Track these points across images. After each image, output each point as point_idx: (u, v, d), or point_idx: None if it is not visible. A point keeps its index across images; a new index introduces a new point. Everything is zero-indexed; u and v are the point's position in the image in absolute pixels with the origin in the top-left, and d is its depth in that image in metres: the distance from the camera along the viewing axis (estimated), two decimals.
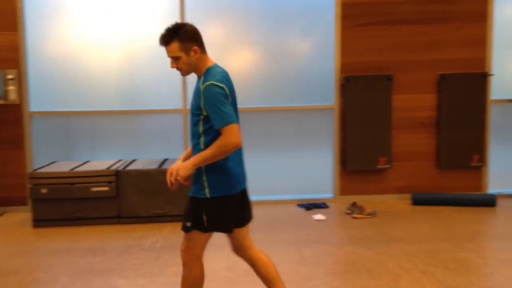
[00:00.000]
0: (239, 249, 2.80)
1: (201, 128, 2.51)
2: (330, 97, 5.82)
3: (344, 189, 5.86)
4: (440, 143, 5.78)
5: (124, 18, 5.61)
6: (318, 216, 5.20)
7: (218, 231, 2.62)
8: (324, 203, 5.69)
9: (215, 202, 2.54)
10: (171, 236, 4.59)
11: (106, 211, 4.98)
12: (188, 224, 2.57)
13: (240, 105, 5.77)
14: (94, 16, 5.56)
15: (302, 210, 5.53)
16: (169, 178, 2.48)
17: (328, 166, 5.92)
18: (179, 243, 4.37)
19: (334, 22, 5.70)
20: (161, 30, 2.52)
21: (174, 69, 2.57)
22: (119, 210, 5.01)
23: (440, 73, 5.73)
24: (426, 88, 5.77)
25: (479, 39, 5.73)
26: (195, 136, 2.55)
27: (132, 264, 3.87)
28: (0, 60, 5.42)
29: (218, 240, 4.45)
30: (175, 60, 2.50)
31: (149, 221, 5.02)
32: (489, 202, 5.45)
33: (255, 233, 4.61)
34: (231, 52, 5.78)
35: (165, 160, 5.51)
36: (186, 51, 2.48)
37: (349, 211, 5.26)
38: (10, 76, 5.41)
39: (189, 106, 5.68)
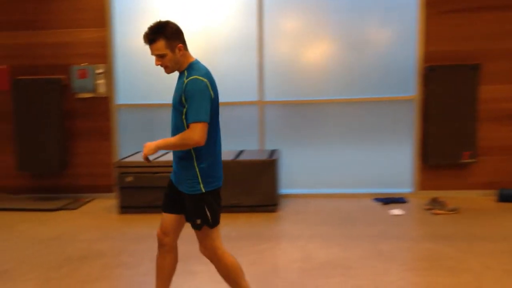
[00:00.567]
0: (168, 235, 2.82)
1: (184, 122, 2.54)
2: (409, 88, 5.61)
3: (424, 184, 5.65)
4: None
5: (202, 11, 5.76)
6: (396, 211, 5.06)
7: (217, 224, 2.72)
8: (402, 198, 5.52)
9: (211, 196, 2.62)
10: (245, 226, 4.69)
11: None
12: (199, 221, 2.64)
13: (316, 96, 5.75)
14: (175, 10, 5.77)
15: (378, 204, 5.41)
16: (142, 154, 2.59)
17: (407, 159, 5.73)
18: (253, 233, 4.46)
19: (417, 9, 5.47)
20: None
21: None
22: None
23: None
24: None
25: None
26: (178, 129, 2.56)
27: None
28: (90, 55, 5.79)
29: (294, 231, 4.48)
30: (160, 57, 2.52)
31: (225, 211, 5.08)
32: None
33: (328, 227, 4.60)
34: (307, 43, 5.75)
35: (241, 151, 5.62)
36: (172, 49, 2.52)
37: (429, 207, 5.06)
38: (99, 71, 5.77)
39: (266, 98, 5.75)
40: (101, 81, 5.80)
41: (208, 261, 3.76)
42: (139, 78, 5.90)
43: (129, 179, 5.17)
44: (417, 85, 5.55)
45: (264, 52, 5.71)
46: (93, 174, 5.93)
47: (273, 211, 5.13)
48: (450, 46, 5.44)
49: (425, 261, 3.71)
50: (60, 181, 5.94)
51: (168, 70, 2.57)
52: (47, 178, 5.96)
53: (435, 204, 5.02)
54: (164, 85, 5.87)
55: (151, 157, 5.29)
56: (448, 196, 5.50)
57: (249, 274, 3.52)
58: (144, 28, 2.59)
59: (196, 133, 2.44)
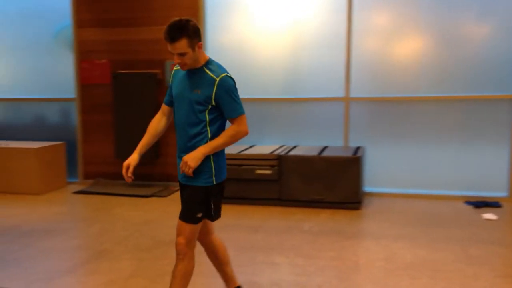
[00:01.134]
0: (206, 234, 2.84)
1: (207, 117, 2.56)
2: (509, 86, 5.26)
3: None
4: None
5: (291, 6, 5.80)
6: (489, 215, 4.78)
7: (218, 217, 2.72)
8: (496, 202, 5.20)
9: (218, 188, 2.66)
10: (328, 221, 4.68)
11: (268, 192, 5.27)
12: (199, 214, 2.60)
13: (405, 94, 5.58)
14: (264, 6, 5.86)
15: (470, 207, 5.14)
16: (184, 170, 2.49)
17: (503, 162, 5.38)
18: (336, 229, 4.44)
19: None
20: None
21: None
22: (280, 192, 5.26)
23: None
24: None
25: None
26: (196, 125, 2.55)
27: (291, 244, 4.06)
28: None
29: (377, 230, 4.40)
30: (181, 56, 2.49)
31: (307, 206, 5.17)
32: None
33: (414, 228, 4.46)
34: (397, 39, 5.59)
35: (325, 147, 5.60)
36: (193, 47, 2.50)
37: None
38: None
39: (352, 95, 5.67)
40: None
41: (289, 253, 3.84)
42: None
43: None
44: None
45: (352, 48, 5.64)
46: (170, 164, 6.20)
47: (356, 208, 5.07)
48: None
49: None
50: (153, 170, 6.30)
51: (186, 67, 2.55)
52: (141, 166, 6.33)
53: None
54: (249, 80, 6.00)
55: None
56: None
57: (331, 269, 3.53)
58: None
59: (245, 124, 2.59)
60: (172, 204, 5.43)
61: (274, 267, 3.60)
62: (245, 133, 2.60)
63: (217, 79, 2.53)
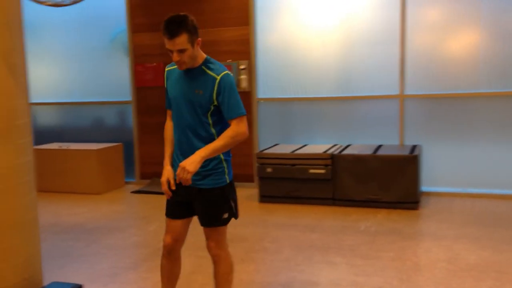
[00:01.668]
0: (182, 242, 2.69)
1: (210, 119, 2.44)
2: None
3: None
4: None
5: (343, 3, 5.74)
6: None
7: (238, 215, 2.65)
8: None
9: (232, 185, 2.58)
10: (384, 221, 4.59)
11: (321, 192, 5.24)
12: (226, 215, 2.54)
13: (463, 90, 5.40)
14: (314, 4, 5.83)
15: None
16: (183, 177, 2.33)
17: None
18: (394, 230, 4.35)
19: None
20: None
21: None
22: (334, 192, 5.21)
23: None
24: None
25: None
26: (200, 127, 2.43)
27: (348, 244, 4.02)
28: (234, 52, 6.14)
29: (437, 230, 4.28)
30: (181, 52, 2.34)
31: (362, 205, 5.10)
32: None
33: (477, 228, 4.31)
34: (452, 34, 5.42)
35: (380, 146, 5.50)
36: (192, 43, 2.37)
37: None
38: (242, 67, 6.09)
39: (407, 92, 5.55)
40: (243, 77, 6.11)
41: (346, 253, 3.80)
42: (278, 73, 6.09)
43: (269, 170, 5.38)
44: None
45: (406, 44, 5.52)
46: (235, 164, 6.24)
47: (413, 208, 4.95)
48: None
49: None
50: None
51: (184, 66, 2.40)
52: None
53: None
54: (300, 79, 5.99)
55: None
56: None
57: (391, 270, 3.47)
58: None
59: (245, 125, 2.44)
60: None
61: (332, 267, 3.58)
62: (245, 135, 2.44)
63: (218, 78, 2.40)
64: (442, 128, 5.54)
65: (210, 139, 2.46)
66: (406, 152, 5.08)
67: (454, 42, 5.44)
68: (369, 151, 5.21)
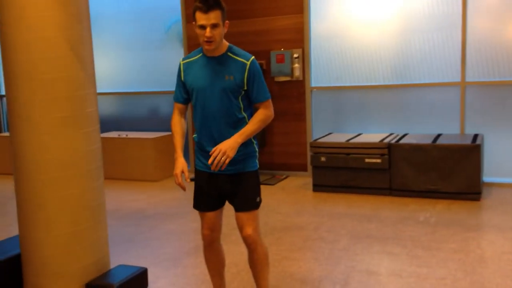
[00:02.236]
0: (219, 231, 2.72)
1: (242, 103, 2.51)
2: None
3: None
4: None
5: None
6: None
7: None
8: None
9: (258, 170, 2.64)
10: (445, 212, 4.47)
11: (378, 182, 5.16)
12: (258, 199, 2.58)
13: None
14: None
15: None
16: (221, 161, 2.34)
17: None
18: (455, 221, 4.23)
19: None
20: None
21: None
22: (391, 182, 5.11)
23: None
24: None
25: None
26: (234, 113, 2.48)
27: (408, 235, 3.94)
28: (288, 41, 6.11)
29: (501, 222, 4.13)
30: (214, 27, 2.37)
31: (421, 196, 4.98)
32: None
33: None
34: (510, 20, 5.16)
35: (439, 135, 5.34)
36: (223, 22, 2.42)
37: None
38: (295, 55, 6.05)
39: (469, 79, 5.35)
40: (296, 65, 6.07)
41: (406, 243, 3.74)
42: (331, 61, 6.01)
43: (323, 159, 5.35)
44: None
45: (467, 29, 5.30)
46: (288, 153, 6.29)
47: (475, 199, 4.79)
48: None
49: None
50: (259, 159, 6.42)
51: (213, 45, 2.42)
52: None
53: None
54: (354, 67, 5.89)
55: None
56: None
57: (454, 262, 3.38)
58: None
59: (272, 108, 2.55)
60: (280, 192, 5.52)
61: (392, 257, 3.53)
62: (272, 117, 2.57)
63: (248, 63, 2.48)
64: (505, 116, 5.31)
65: (242, 122, 2.53)
66: (468, 142, 4.91)
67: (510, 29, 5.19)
68: (428, 140, 5.07)
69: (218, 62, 2.50)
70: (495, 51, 5.27)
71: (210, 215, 2.63)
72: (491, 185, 5.31)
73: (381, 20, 5.71)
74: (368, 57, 5.83)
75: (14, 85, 2.79)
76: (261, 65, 6.17)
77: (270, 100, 2.55)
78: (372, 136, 5.53)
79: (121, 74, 7.22)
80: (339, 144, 5.30)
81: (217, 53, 2.49)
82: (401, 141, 5.14)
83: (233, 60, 2.49)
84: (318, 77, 6.11)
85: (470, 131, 5.42)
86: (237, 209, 2.59)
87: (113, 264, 3.20)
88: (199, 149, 2.60)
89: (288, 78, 6.14)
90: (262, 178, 6.06)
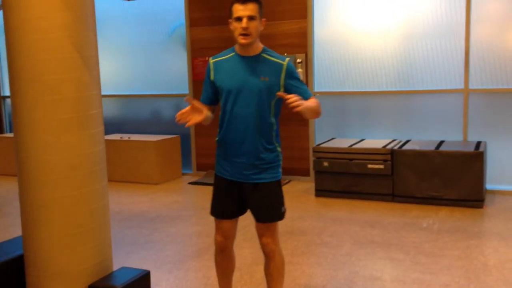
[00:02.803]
0: (233, 238, 2.67)
1: (272, 109, 2.45)
2: None
3: None
4: None
5: None
6: None
7: None
8: None
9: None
10: (448, 219, 4.46)
11: (381, 188, 5.14)
12: (283, 209, 2.54)
13: None
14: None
15: None
16: (297, 102, 2.22)
17: None
18: (458, 228, 4.22)
19: None
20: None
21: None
22: (394, 188, 5.10)
23: None
24: None
25: None
26: (267, 116, 2.40)
27: (411, 241, 3.93)
28: (291, 45, 6.11)
29: (504, 230, 4.12)
30: (250, 20, 2.35)
31: (423, 202, 4.97)
32: None
33: None
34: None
35: (442, 142, 5.34)
36: (260, 18, 2.41)
37: None
38: (299, 60, 6.06)
39: (472, 86, 5.35)
40: (300, 70, 6.07)
41: (409, 250, 3.72)
42: (334, 67, 6.01)
43: (325, 164, 5.34)
44: None
45: (471, 37, 5.30)
46: (290, 157, 6.27)
47: (478, 207, 4.77)
48: None
49: None
50: None
51: (248, 39, 2.37)
52: None
53: None
54: (357, 73, 5.89)
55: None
56: None
57: (457, 269, 3.37)
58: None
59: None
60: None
61: (395, 263, 3.52)
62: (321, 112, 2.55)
63: (285, 63, 2.43)
64: (508, 124, 5.31)
65: (270, 129, 2.47)
66: (471, 149, 4.90)
67: None
68: (431, 147, 5.06)
69: (253, 62, 2.42)
70: (498, 59, 5.27)
71: (226, 223, 2.58)
72: (494, 192, 5.29)
73: (385, 27, 5.72)
74: (372, 63, 5.83)
75: (19, 86, 2.79)
76: None
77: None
78: (375, 142, 5.52)
79: (124, 77, 7.22)
80: (342, 150, 5.30)
81: (252, 53, 2.43)
82: (404, 147, 5.13)
83: (269, 61, 2.43)
84: (321, 82, 6.11)
85: (473, 138, 5.42)
86: (260, 220, 2.53)
87: (115, 266, 3.19)
88: (222, 154, 2.54)
89: None
90: None
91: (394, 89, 5.75)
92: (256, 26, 2.38)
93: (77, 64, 2.87)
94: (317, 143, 5.89)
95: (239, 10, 2.36)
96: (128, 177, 6.40)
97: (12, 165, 6.74)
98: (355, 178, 5.26)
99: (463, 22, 5.31)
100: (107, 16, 7.04)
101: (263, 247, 2.55)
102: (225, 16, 6.57)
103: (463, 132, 5.44)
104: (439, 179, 4.88)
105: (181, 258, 3.72)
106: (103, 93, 8.05)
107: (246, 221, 4.47)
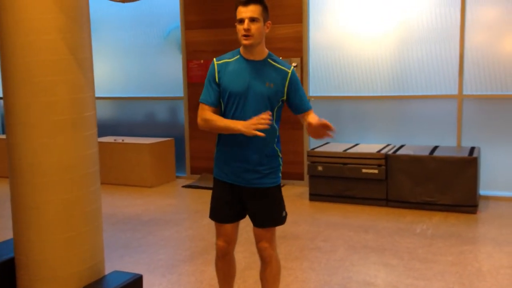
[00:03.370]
0: (235, 243, 2.66)
1: (275, 114, 2.44)
2: None
3: None
4: None
5: (397, 2, 5.61)
6: None
7: None
8: None
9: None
10: (441, 225, 4.46)
11: (375, 192, 5.15)
12: (284, 213, 2.55)
13: None
14: (368, 3, 5.73)
15: None
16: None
17: None
18: (452, 233, 4.23)
19: None
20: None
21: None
22: (388, 193, 5.10)
23: None
24: None
25: None
26: (270, 121, 2.32)
27: (405, 246, 3.93)
28: (286, 49, 6.11)
29: (498, 236, 4.12)
30: (252, 21, 2.31)
31: (417, 207, 4.97)
32: None
33: None
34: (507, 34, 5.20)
35: (436, 147, 5.35)
36: (264, 20, 2.36)
37: None
38: (294, 64, 6.06)
39: (467, 92, 5.37)
40: None
41: (403, 255, 3.72)
42: (329, 71, 6.01)
43: (319, 168, 5.34)
44: None
45: (465, 43, 5.33)
46: (285, 162, 6.21)
47: (472, 212, 4.78)
48: None
49: None
50: None
51: (250, 40, 2.32)
52: None
53: None
54: (353, 78, 5.90)
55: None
56: None
57: (451, 275, 3.37)
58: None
59: None
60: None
61: (389, 269, 3.51)
62: None
63: (289, 71, 2.42)
64: (502, 129, 5.34)
65: (274, 136, 2.47)
66: (465, 154, 4.92)
67: (509, 43, 5.22)
68: (425, 152, 5.07)
69: (259, 67, 2.40)
70: (493, 65, 5.30)
71: (227, 227, 2.55)
72: (487, 198, 5.31)
73: (380, 32, 5.73)
74: (367, 67, 5.84)
75: (13, 88, 2.76)
76: None
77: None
78: (369, 147, 5.53)
79: (118, 79, 7.19)
80: (336, 154, 5.30)
81: (258, 57, 2.41)
82: (398, 152, 5.14)
83: (275, 67, 2.42)
84: (316, 87, 6.12)
85: (467, 144, 5.43)
86: (261, 225, 2.50)
87: (108, 269, 3.16)
88: (222, 158, 2.51)
89: None
90: None
91: (388, 94, 5.76)
92: (258, 28, 2.34)
93: (72, 66, 2.85)
94: (312, 147, 5.89)
95: (241, 12, 2.34)
96: (122, 180, 6.36)
97: (4, 167, 6.69)
98: (349, 183, 5.25)
99: (458, 28, 5.34)
100: (102, 18, 7.02)
101: (261, 252, 2.53)
102: (221, 19, 6.59)
103: (457, 137, 5.46)
104: (433, 184, 4.89)
105: (174, 262, 3.70)
106: (97, 95, 8.03)
107: (239, 225, 4.48)
